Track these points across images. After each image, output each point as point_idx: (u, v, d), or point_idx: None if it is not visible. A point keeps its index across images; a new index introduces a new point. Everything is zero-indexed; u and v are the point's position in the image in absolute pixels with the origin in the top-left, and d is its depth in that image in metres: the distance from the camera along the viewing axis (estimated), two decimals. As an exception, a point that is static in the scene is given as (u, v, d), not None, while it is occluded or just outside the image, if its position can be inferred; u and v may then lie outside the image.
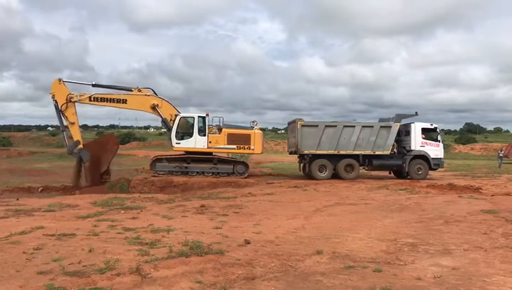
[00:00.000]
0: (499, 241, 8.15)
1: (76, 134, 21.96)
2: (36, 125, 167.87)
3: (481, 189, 17.49)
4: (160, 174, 22.15)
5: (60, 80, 21.93)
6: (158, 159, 22.86)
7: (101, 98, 22.32)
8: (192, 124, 22.46)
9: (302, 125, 22.57)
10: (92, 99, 22.15)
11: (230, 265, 6.19)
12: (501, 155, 38.54)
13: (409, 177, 22.99)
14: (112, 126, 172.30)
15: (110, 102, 22.47)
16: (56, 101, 21.60)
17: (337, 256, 6.94)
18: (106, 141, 24.28)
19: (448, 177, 23.79)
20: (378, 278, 5.76)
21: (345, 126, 22.71)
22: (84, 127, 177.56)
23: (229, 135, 22.68)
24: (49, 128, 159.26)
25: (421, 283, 5.59)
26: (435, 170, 23.80)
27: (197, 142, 22.23)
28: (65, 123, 21.83)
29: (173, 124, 22.27)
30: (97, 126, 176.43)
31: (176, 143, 22.26)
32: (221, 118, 23.29)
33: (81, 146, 21.88)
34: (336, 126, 22.69)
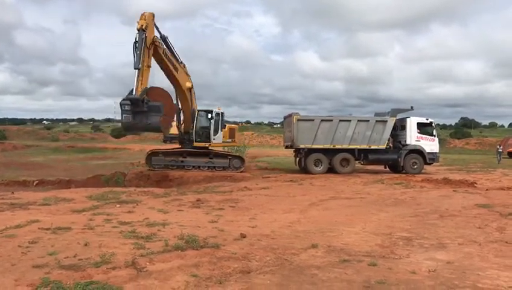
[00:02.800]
0: (493, 235, 8.20)
1: (147, 80, 18.73)
2: (31, 119, 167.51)
3: (476, 183, 17.58)
4: (156, 168, 22.12)
5: (154, 15, 19.24)
6: (154, 153, 22.84)
7: (169, 56, 20.16)
8: (218, 120, 23.01)
9: (298, 120, 22.57)
10: (163, 52, 19.77)
11: (226, 259, 6.21)
12: (500, 150, 37.61)
13: (404, 171, 23.03)
14: (108, 120, 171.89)
15: (170, 64, 20.22)
16: (146, 34, 18.42)
17: (333, 250, 6.97)
18: (166, 97, 19.94)
19: (443, 172, 23.89)
20: (373, 271, 5.79)
21: (340, 120, 22.72)
22: (80, 121, 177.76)
23: (230, 130, 23.98)
24: (44, 121, 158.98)
25: (416, 276, 5.62)
26: (430, 164, 23.87)
27: (219, 137, 23.10)
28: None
29: (212, 119, 22.90)
30: (92, 120, 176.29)
31: (213, 139, 22.83)
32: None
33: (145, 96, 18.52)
34: (331, 120, 22.70)
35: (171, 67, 20.48)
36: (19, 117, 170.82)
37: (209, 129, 22.95)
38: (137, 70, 18.10)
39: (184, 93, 21.90)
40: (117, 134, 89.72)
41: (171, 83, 21.44)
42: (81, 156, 43.09)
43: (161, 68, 20.50)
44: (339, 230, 8.58)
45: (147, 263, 5.85)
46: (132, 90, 18.17)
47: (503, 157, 38.09)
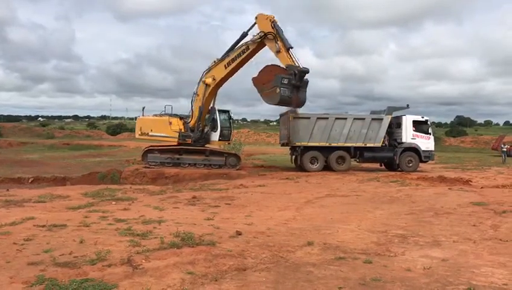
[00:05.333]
0: (488, 233, 8.25)
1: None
2: (26, 116, 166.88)
3: (471, 181, 17.64)
4: (151, 166, 22.03)
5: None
6: (150, 150, 22.73)
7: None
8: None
9: (294, 117, 22.56)
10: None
11: (221, 256, 6.21)
12: (504, 149, 34.91)
13: (399, 169, 23.12)
14: (103, 117, 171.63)
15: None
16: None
17: (328, 247, 6.98)
18: None
19: (439, 170, 23.96)
20: (369, 269, 5.81)
21: (336, 118, 22.75)
22: (75, 118, 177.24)
23: None
24: (39, 118, 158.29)
25: (411, 274, 5.64)
26: (425, 162, 23.98)
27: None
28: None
29: (231, 119, 23.65)
30: (88, 117, 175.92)
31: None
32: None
33: None
34: (327, 118, 22.72)
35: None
36: (13, 114, 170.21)
37: (231, 128, 23.51)
38: (291, 49, 20.15)
39: (216, 90, 22.59)
40: (112, 131, 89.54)
41: (226, 77, 22.28)
42: (76, 153, 42.92)
43: (240, 61, 21.52)
44: (334, 228, 8.60)
45: (143, 261, 5.85)
46: (291, 67, 19.61)
47: (499, 156, 37.33)
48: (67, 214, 9.68)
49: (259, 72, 20.88)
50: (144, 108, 23.77)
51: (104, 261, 5.79)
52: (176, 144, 22.43)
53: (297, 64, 19.82)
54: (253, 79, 21.19)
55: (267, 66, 20.73)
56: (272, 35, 20.27)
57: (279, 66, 20.25)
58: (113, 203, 11.49)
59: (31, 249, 6.37)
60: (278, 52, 20.13)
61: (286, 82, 19.45)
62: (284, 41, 20.13)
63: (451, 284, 5.27)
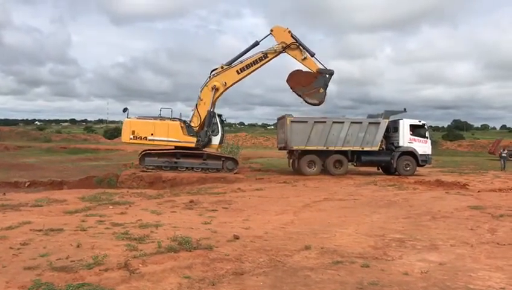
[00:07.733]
0: (485, 236, 8.26)
1: None
2: (23, 120, 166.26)
3: (468, 185, 17.67)
4: (149, 169, 21.98)
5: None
6: (147, 154, 22.66)
7: None
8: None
9: (292, 121, 22.59)
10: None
11: (219, 260, 6.20)
12: (504, 155, 32.01)
13: (397, 173, 23.15)
14: (100, 120, 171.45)
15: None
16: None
17: (326, 251, 6.98)
18: None
19: (436, 174, 24.01)
20: (366, 273, 5.80)
21: (334, 122, 22.77)
22: (72, 122, 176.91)
23: None
24: (36, 122, 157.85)
25: (408, 278, 5.64)
26: (422, 166, 24.00)
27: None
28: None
29: (223, 122, 24.12)
30: (85, 120, 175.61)
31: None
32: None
33: None
34: (325, 122, 22.73)
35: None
36: (10, 118, 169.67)
37: (223, 132, 23.89)
38: (314, 55, 22.76)
39: (222, 94, 23.25)
40: (109, 135, 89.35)
41: (236, 82, 23.25)
42: (73, 157, 42.77)
43: (255, 68, 23.07)
44: (332, 231, 8.60)
45: (140, 265, 5.83)
46: (324, 70, 22.57)
47: (495, 160, 36.90)
48: (64, 218, 9.64)
49: (292, 76, 22.57)
50: (126, 109, 22.37)
51: (101, 265, 5.76)
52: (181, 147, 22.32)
53: (324, 67, 22.52)
54: (290, 83, 22.64)
55: (297, 70, 22.73)
56: (295, 45, 22.58)
57: (302, 70, 22.66)
58: (110, 207, 11.46)
59: (28, 253, 6.34)
60: (304, 59, 22.56)
61: (324, 83, 22.39)
62: (307, 49, 22.67)
63: (448, 288, 5.27)
